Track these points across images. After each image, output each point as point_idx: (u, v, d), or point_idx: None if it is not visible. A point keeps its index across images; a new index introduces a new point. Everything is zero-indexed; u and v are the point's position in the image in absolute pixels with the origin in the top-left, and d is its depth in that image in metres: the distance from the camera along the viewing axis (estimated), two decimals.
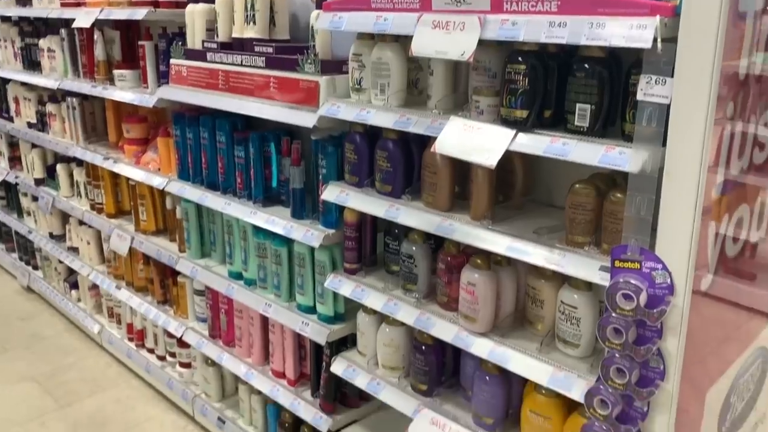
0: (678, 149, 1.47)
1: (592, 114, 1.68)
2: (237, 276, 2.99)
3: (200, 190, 3.01)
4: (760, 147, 1.67)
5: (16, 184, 4.74)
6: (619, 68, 1.72)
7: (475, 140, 1.85)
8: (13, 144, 4.74)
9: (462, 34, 1.80)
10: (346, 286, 2.41)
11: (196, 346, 3.27)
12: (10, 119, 4.59)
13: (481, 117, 1.91)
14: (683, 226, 1.50)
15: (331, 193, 2.37)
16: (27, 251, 4.98)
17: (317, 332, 2.55)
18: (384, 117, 2.12)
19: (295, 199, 2.61)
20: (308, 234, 2.49)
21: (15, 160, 4.78)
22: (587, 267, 1.72)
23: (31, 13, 3.96)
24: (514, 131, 1.79)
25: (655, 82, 1.49)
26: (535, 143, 1.75)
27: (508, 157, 1.93)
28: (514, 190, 2.14)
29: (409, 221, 2.12)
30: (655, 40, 1.45)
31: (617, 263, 1.61)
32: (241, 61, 2.67)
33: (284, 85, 2.49)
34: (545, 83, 1.77)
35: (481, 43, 1.79)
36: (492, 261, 2.04)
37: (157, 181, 3.23)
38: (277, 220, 2.63)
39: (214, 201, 2.91)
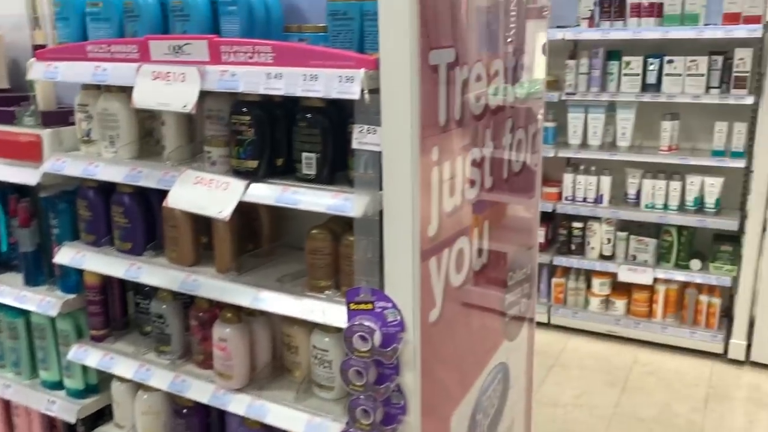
0: (392, 193, 1.54)
1: (318, 162, 1.71)
2: None
3: None
4: (470, 183, 1.82)
5: None
6: (341, 116, 1.77)
7: (208, 193, 1.79)
8: None
9: (183, 85, 1.74)
10: (92, 356, 2.20)
11: None
12: None
13: (214, 168, 1.86)
14: (405, 265, 1.57)
15: (65, 255, 2.16)
16: None
17: (66, 410, 2.30)
18: (114, 171, 1.98)
19: (28, 264, 2.34)
20: (44, 302, 2.24)
21: None
22: (331, 312, 1.73)
23: None
24: (245, 182, 1.76)
25: (367, 131, 1.55)
26: (267, 193, 1.73)
27: (252, 204, 1.90)
28: (262, 237, 2.11)
29: (152, 280, 2.00)
30: (362, 91, 1.51)
31: (352, 305, 1.64)
32: None
33: (1, 139, 2.23)
34: (273, 132, 1.77)
35: (211, 92, 1.74)
36: (244, 312, 1.98)
37: None
38: (7, 290, 2.34)
39: None
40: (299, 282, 1.87)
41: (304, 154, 1.71)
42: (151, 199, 2.11)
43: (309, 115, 1.70)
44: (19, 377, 2.47)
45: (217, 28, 1.80)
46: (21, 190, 2.45)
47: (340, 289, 1.79)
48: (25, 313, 2.38)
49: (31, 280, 2.35)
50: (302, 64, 1.60)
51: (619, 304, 4.49)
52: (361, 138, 1.56)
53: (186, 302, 2.15)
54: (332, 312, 1.73)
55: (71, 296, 2.25)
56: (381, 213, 1.59)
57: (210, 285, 1.91)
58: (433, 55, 1.52)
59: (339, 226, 1.83)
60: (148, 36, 1.81)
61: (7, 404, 2.56)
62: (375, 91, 1.53)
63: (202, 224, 2.03)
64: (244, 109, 1.73)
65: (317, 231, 1.80)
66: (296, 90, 1.60)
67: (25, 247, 2.33)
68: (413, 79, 1.45)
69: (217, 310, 2.04)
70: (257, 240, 2.11)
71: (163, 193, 2.00)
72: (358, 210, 1.59)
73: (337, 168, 1.76)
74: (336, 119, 1.74)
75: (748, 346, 4.10)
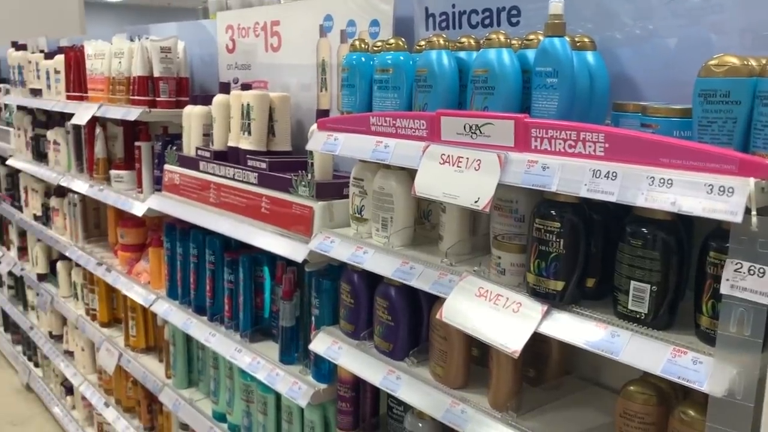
0: None
1: (652, 297, 1.21)
2: (221, 418, 2.55)
3: (186, 314, 2.61)
4: None
5: (21, 276, 4.47)
6: (691, 233, 1.26)
7: (493, 312, 1.39)
8: (22, 234, 4.51)
9: (477, 174, 1.38)
10: None
11: None
12: (20, 209, 4.37)
13: (503, 278, 1.45)
14: None
15: (322, 343, 1.93)
16: (30, 347, 4.67)
17: None
18: (383, 262, 1.70)
19: (285, 339, 2.18)
20: (295, 388, 2.04)
21: (23, 251, 4.53)
22: None
23: (33, 103, 3.77)
24: (544, 307, 1.33)
25: (749, 271, 1.02)
26: (572, 330, 1.28)
27: None
28: (549, 364, 1.65)
29: (411, 398, 1.66)
30: (747, 211, 0.99)
31: None
32: (234, 175, 2.31)
33: (276, 206, 2.11)
34: (588, 245, 1.32)
35: None
36: None
37: (143, 298, 2.85)
38: (262, 364, 2.19)
39: (198, 330, 2.51)
40: None
41: (634, 284, 1.23)
42: (420, 296, 1.78)
43: (646, 230, 1.21)
44: None
45: (527, 106, 1.41)
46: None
47: None
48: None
49: (286, 357, 2.19)
50: (649, 161, 1.13)
51: None
52: (737, 280, 1.04)
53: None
54: None
55: (322, 386, 2.02)
56: (758, 394, 1.04)
57: (480, 423, 1.50)
58: None
59: (669, 384, 1.30)
60: (440, 111, 1.49)
61: None
62: (763, 212, 1.00)
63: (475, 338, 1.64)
64: (553, 213, 1.31)
65: (636, 389, 1.29)
66: (637, 198, 1.13)
67: (284, 320, 2.17)
68: None
69: None
70: (542, 366, 1.65)
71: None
72: (718, 386, 1.06)
73: (675, 305, 1.25)
74: (684, 238, 1.23)
75: None
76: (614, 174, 1.17)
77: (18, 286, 4.79)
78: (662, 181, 1.11)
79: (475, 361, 1.72)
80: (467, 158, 1.40)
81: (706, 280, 1.14)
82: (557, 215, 1.30)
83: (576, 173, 1.22)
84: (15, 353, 4.92)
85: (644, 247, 1.20)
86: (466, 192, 1.39)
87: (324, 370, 2.04)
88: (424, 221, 1.89)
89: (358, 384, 1.98)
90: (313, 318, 2.06)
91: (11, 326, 5.00)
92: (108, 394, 3.52)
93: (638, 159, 1.15)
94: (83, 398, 3.83)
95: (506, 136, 1.34)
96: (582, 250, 1.31)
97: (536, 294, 1.35)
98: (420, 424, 1.77)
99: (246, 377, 2.36)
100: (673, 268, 1.20)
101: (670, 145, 1.12)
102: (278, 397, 2.25)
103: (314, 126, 1.91)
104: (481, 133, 1.39)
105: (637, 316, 1.22)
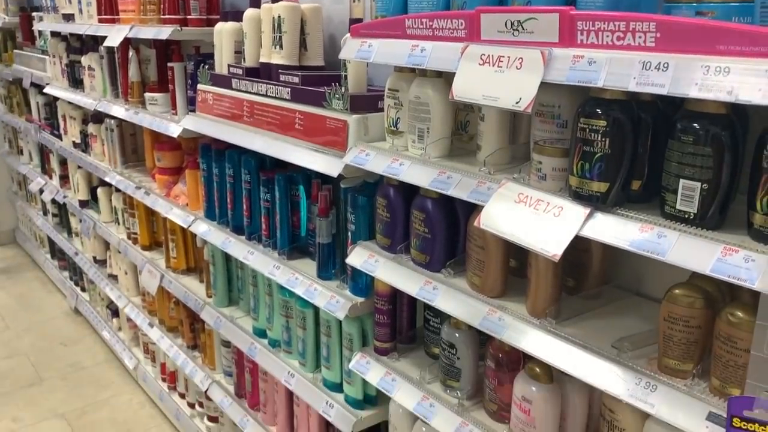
0: None
1: (703, 195, 1.16)
2: (261, 333, 2.61)
3: (225, 234, 2.64)
4: None
5: (64, 204, 4.58)
6: (746, 129, 1.19)
7: (533, 217, 1.36)
8: (63, 162, 4.59)
9: (519, 73, 1.32)
10: (373, 372, 1.97)
11: (220, 405, 2.92)
12: (59, 137, 4.43)
13: (543, 184, 1.41)
14: None
15: (358, 257, 1.93)
16: (76, 272, 4.82)
17: (342, 418, 2.12)
18: (419, 173, 1.67)
19: (322, 256, 2.19)
20: (333, 302, 2.06)
21: (65, 179, 4.62)
22: (688, 411, 1.20)
23: (66, 28, 3.75)
24: (587, 210, 1.29)
25: None
26: (616, 232, 1.24)
27: None
28: (589, 274, 1.63)
29: (448, 307, 1.66)
30: None
31: (737, 422, 1.09)
32: (266, 91, 2.28)
33: (310, 122, 2.08)
34: (635, 145, 1.26)
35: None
36: (556, 370, 1.54)
37: (182, 219, 2.89)
38: (300, 280, 2.22)
39: (237, 248, 2.54)
40: (643, 353, 1.35)
41: (683, 182, 1.17)
42: (456, 207, 1.76)
43: (698, 125, 1.15)
44: (303, 368, 2.38)
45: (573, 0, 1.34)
46: (323, 174, 2.31)
47: (708, 381, 1.23)
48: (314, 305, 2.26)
49: (323, 273, 2.21)
50: (704, 49, 1.06)
51: None
52: None
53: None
54: (692, 413, 1.19)
55: (360, 299, 2.04)
56: None
57: (518, 330, 1.49)
58: None
59: (715, 287, 1.27)
60: (479, 8, 1.42)
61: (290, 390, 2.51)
62: None
63: (515, 246, 1.62)
64: (599, 111, 1.25)
65: (682, 292, 1.25)
66: (689, 89, 1.06)
67: (321, 237, 2.18)
68: None
69: (520, 353, 1.63)
70: (582, 276, 1.63)
71: (473, 204, 1.63)
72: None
73: (726, 205, 1.19)
74: (739, 133, 1.16)
75: None
76: (665, 65, 1.10)
77: (62, 213, 4.92)
78: (718, 69, 1.04)
79: (513, 272, 1.71)
80: (508, 57, 1.34)
81: (762, 175, 1.09)
82: (603, 113, 1.24)
83: (624, 66, 1.15)
84: (62, 279, 5.09)
85: (695, 143, 1.14)
86: (507, 93, 1.33)
87: (361, 284, 2.05)
88: (461, 132, 1.84)
89: (394, 297, 1.99)
90: (349, 234, 2.06)
91: (57, 253, 5.17)
92: (152, 315, 3.64)
93: (692, 48, 1.08)
94: (128, 320, 3.97)
95: (550, 31, 1.27)
96: (628, 150, 1.26)
97: (579, 197, 1.31)
98: (457, 334, 1.77)
99: (285, 293, 2.40)
100: (725, 164, 1.14)
101: (729, 30, 1.04)
102: (316, 311, 2.29)
103: (347, 35, 1.85)
104: (523, 29, 1.33)
105: (686, 216, 1.18)
